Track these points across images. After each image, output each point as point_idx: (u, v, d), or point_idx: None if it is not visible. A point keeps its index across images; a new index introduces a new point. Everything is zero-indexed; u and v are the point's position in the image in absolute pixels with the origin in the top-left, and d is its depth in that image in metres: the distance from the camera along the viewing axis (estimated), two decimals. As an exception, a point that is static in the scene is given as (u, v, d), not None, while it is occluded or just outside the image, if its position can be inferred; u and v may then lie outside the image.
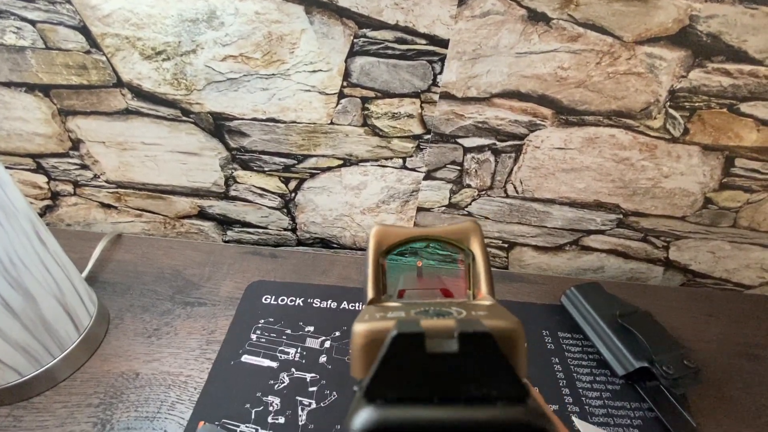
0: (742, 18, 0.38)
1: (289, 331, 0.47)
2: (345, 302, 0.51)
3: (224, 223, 0.61)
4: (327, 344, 0.45)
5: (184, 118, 0.50)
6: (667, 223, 0.56)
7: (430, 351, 0.11)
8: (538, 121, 0.47)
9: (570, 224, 0.57)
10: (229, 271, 0.54)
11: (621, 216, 0.55)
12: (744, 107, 0.44)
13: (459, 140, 0.49)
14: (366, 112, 0.48)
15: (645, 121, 0.46)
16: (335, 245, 0.63)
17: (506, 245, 0.61)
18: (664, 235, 0.57)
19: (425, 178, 0.53)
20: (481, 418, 0.10)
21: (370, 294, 0.18)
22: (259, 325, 0.47)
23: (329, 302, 0.50)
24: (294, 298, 0.51)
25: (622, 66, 0.42)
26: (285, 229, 0.61)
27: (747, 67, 0.41)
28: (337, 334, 0.47)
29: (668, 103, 0.44)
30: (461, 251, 0.19)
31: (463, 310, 0.14)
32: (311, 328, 0.47)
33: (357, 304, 0.50)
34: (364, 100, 0.47)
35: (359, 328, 0.13)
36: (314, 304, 0.50)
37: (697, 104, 0.44)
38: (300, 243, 0.63)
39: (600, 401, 0.42)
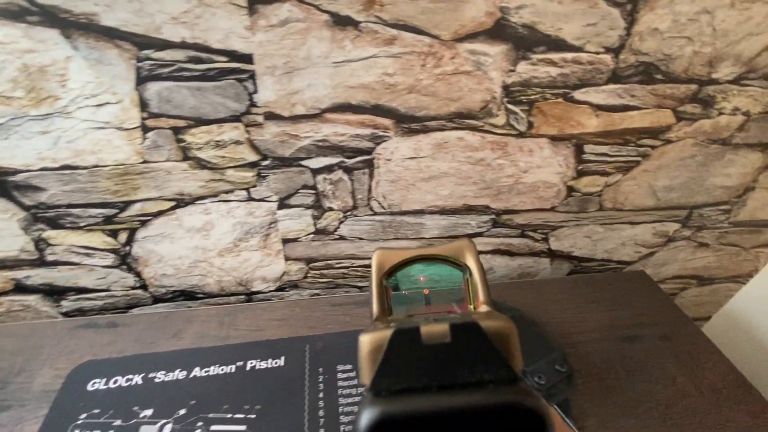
0: (551, 6, 0.37)
1: (119, 422, 0.38)
2: (197, 368, 0.43)
3: (53, 293, 0.50)
4: (167, 429, 0.37)
5: (-50, 179, 0.39)
6: (539, 216, 0.55)
7: (426, 343, 0.13)
8: (381, 133, 0.43)
9: (447, 231, 0.54)
10: (49, 356, 0.43)
11: (494, 216, 0.54)
12: (577, 95, 0.44)
13: (303, 162, 0.44)
14: (182, 143, 0.41)
15: (488, 120, 0.44)
16: (201, 295, 0.55)
17: (390, 263, 0.56)
18: (540, 227, 0.56)
19: (279, 207, 0.48)
20: (476, 400, 0.11)
21: (375, 312, 0.19)
22: (79, 421, 0.38)
23: (177, 372, 0.42)
24: (131, 377, 0.42)
25: (449, 66, 0.39)
26: (133, 288, 0.52)
27: (569, 55, 0.41)
28: (182, 412, 0.39)
29: (505, 99, 0.43)
30: (458, 266, 0.20)
31: (459, 316, 0.16)
32: (149, 412, 0.39)
33: (214, 368, 0.43)
34: (176, 130, 0.40)
35: (365, 337, 0.14)
36: (157, 379, 0.42)
37: (533, 97, 0.43)
38: (158, 300, 0.54)
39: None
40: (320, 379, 0.42)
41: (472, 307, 0.20)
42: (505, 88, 0.42)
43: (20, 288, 0.49)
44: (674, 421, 0.41)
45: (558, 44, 0.40)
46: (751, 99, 0.48)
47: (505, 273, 0.61)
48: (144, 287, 0.52)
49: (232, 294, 0.55)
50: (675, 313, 0.54)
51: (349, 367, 0.44)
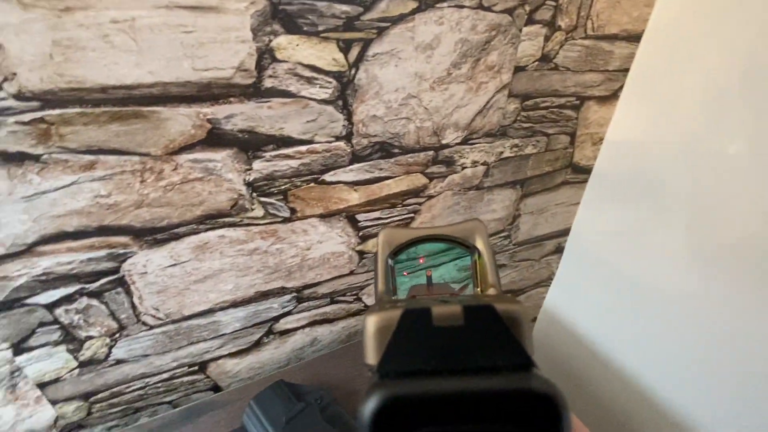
0: (261, 111, 0.39)
1: None
2: None
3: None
4: None
5: None
6: (342, 281, 0.57)
7: (438, 325, 0.12)
8: (122, 251, 0.40)
9: (250, 321, 0.52)
10: None
11: (295, 294, 0.53)
12: (328, 177, 0.47)
13: (28, 301, 0.38)
14: None
15: (245, 215, 0.44)
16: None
17: (196, 368, 0.52)
18: (347, 291, 0.58)
19: (18, 353, 0.40)
20: (487, 386, 0.11)
21: (380, 290, 0.18)
22: None
23: None
24: None
25: (175, 177, 0.38)
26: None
27: (302, 148, 0.43)
28: None
29: (255, 194, 0.43)
30: (466, 248, 0.19)
31: (470, 298, 0.15)
32: None
33: None
34: None
35: (371, 317, 0.13)
36: None
37: (283, 187, 0.45)
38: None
39: None
40: None
41: (479, 289, 0.19)
42: (249, 184, 0.42)
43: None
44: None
45: (286, 141, 0.42)
46: (483, 152, 0.57)
47: (332, 339, 0.61)
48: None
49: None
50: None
51: None
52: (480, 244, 0.19)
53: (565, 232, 0.79)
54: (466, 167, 0.56)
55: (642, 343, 0.70)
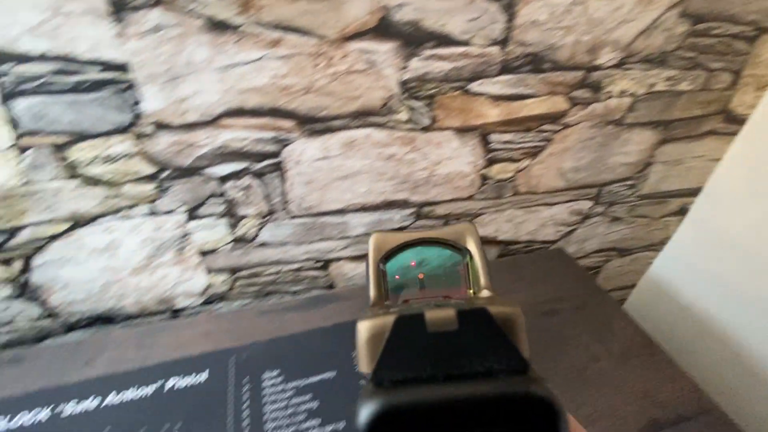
0: (430, 3, 0.38)
1: (19, 464, 0.35)
2: (112, 394, 0.41)
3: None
4: (74, 463, 0.36)
5: None
6: (459, 205, 0.57)
7: (432, 330, 0.12)
8: (285, 135, 0.43)
9: (372, 227, 0.55)
10: (-61, 403, 0.40)
11: (415, 209, 0.55)
12: (474, 87, 0.46)
13: (206, 171, 0.43)
14: (68, 161, 0.38)
15: (391, 117, 0.45)
16: (121, 318, 0.52)
17: (321, 264, 0.56)
18: (462, 216, 0.58)
19: (189, 219, 0.46)
20: (484, 391, 0.11)
21: (372, 297, 0.18)
22: (-27, 469, 0.35)
23: (89, 401, 0.40)
24: (38, 410, 0.39)
25: (341, 66, 0.40)
26: (39, 318, 0.48)
27: (458, 50, 0.42)
28: (93, 442, 0.37)
29: (404, 95, 0.44)
30: (458, 250, 0.19)
31: (464, 302, 0.15)
32: (54, 448, 0.37)
33: (131, 390, 0.41)
34: (58, 147, 0.37)
35: (364, 324, 0.13)
36: (65, 412, 0.39)
37: (431, 92, 0.44)
38: (72, 328, 0.51)
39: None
40: (245, 390, 0.42)
41: (471, 292, 0.19)
42: (402, 84, 0.43)
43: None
44: (586, 383, 0.44)
45: (445, 39, 0.41)
46: (635, 81, 0.52)
47: (437, 263, 0.63)
48: (52, 316, 0.49)
49: (156, 313, 0.53)
50: (590, 285, 0.58)
51: (275, 373, 0.43)
52: (471, 246, 0.19)
53: (695, 192, 0.71)
54: (611, 96, 0.52)
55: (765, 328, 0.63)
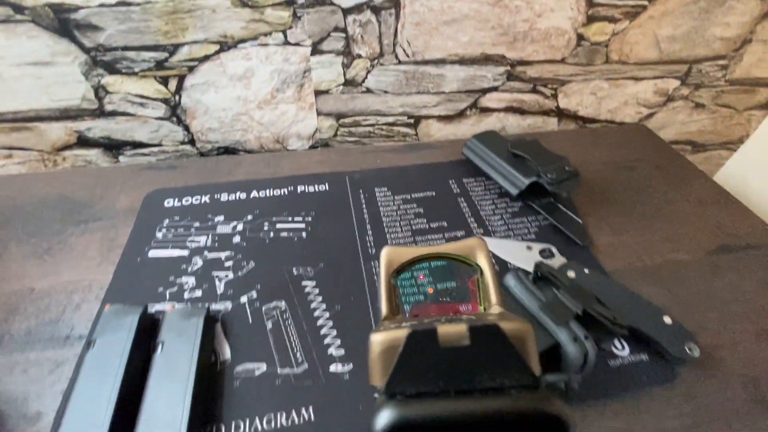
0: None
1: (197, 224, 0.45)
2: (255, 191, 0.50)
3: (111, 147, 0.56)
4: (240, 227, 0.45)
5: (18, 17, 0.43)
6: (550, 69, 0.59)
7: (444, 345, 0.12)
8: (408, -34, 0.46)
9: (465, 85, 0.59)
10: (123, 188, 0.50)
11: (509, 68, 0.58)
12: (592, -75, 0.46)
13: (334, 0, 0.47)
14: (227, -23, 0.44)
15: (507, -48, 0.47)
16: (242, 151, 0.60)
17: (412, 121, 0.62)
18: (550, 82, 0.61)
19: (313, 53, 0.52)
20: (496, 406, 0.11)
21: (384, 310, 0.18)
22: (164, 224, 0.45)
23: (238, 194, 0.49)
24: (199, 197, 0.49)
25: None
26: (182, 143, 0.57)
27: None
28: (249, 217, 0.46)
29: (524, -72, 0.45)
30: (469, 266, 0.19)
31: (475, 317, 0.15)
32: (221, 218, 0.46)
33: (268, 190, 0.50)
34: (221, -38, 0.43)
35: (376, 337, 0.14)
36: (221, 199, 0.49)
37: (550, -74, 0.45)
38: (203, 155, 0.60)
39: (501, 221, 0.47)
40: (361, 197, 0.49)
41: (482, 308, 0.19)
42: None
43: (83, 141, 0.55)
44: (663, 217, 0.49)
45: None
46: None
47: (515, 132, 0.67)
48: (192, 142, 0.58)
49: (269, 151, 0.61)
50: (669, 151, 0.61)
51: (384, 188, 0.51)
52: (482, 262, 0.19)
53: (788, 84, 0.69)
54: (728, -51, 0.51)
55: None
